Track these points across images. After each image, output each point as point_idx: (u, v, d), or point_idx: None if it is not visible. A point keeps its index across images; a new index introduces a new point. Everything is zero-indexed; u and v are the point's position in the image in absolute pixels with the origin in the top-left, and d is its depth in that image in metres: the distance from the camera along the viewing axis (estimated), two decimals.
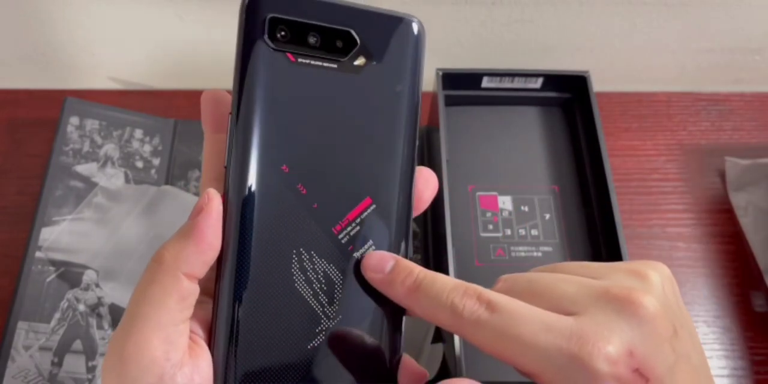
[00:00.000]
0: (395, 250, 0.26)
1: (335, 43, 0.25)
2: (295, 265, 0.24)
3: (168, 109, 0.60)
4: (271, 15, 0.24)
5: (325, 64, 0.25)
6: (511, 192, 0.51)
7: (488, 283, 0.25)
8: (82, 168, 0.54)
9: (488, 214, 0.50)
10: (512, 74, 0.53)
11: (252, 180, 0.24)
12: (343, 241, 0.25)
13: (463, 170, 0.52)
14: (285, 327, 0.24)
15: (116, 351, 0.22)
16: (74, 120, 0.56)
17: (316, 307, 0.25)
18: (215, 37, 0.58)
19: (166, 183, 0.56)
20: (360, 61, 0.25)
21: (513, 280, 0.25)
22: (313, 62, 0.25)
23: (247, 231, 0.24)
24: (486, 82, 0.53)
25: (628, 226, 0.57)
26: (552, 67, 0.59)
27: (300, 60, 0.25)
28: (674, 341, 0.22)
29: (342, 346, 0.25)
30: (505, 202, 0.51)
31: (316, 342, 0.25)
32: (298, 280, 0.24)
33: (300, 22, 0.25)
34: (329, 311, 0.25)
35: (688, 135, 0.63)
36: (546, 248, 0.49)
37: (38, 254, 0.50)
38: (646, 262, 0.25)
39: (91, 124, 0.56)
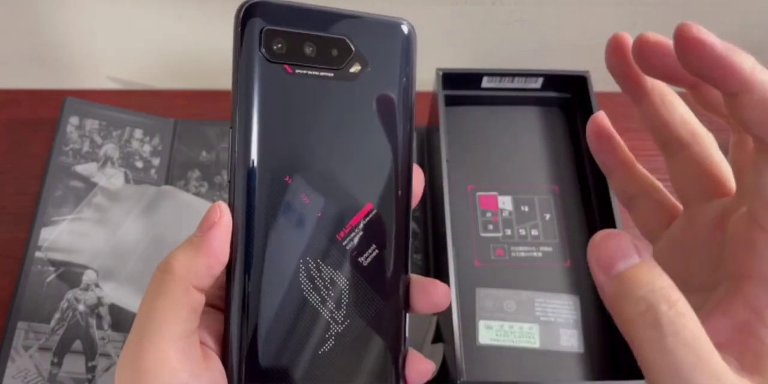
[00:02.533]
0: (398, 250, 0.26)
1: (331, 52, 0.25)
2: (303, 274, 0.25)
3: (168, 109, 0.60)
4: (267, 27, 0.24)
5: (322, 74, 0.25)
6: (511, 192, 0.51)
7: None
8: (82, 168, 0.54)
9: (488, 214, 0.50)
10: (512, 74, 0.52)
11: (258, 194, 0.24)
12: (347, 247, 0.25)
13: (463, 170, 0.52)
14: (296, 335, 0.25)
15: (132, 365, 0.22)
16: (74, 120, 0.56)
17: (325, 313, 0.25)
18: (215, 36, 0.58)
19: (166, 183, 0.56)
20: (355, 69, 0.26)
21: None
22: (310, 72, 0.25)
23: (257, 244, 0.24)
24: (486, 82, 0.53)
25: (628, 226, 0.57)
26: (552, 67, 0.59)
27: (297, 71, 0.25)
28: None
29: (351, 348, 0.25)
30: (505, 202, 0.51)
31: (326, 347, 0.25)
32: (307, 288, 0.25)
33: (296, 32, 0.25)
34: (337, 316, 0.25)
35: None
36: (546, 248, 0.49)
37: (38, 254, 0.50)
38: None
39: (91, 124, 0.56)
